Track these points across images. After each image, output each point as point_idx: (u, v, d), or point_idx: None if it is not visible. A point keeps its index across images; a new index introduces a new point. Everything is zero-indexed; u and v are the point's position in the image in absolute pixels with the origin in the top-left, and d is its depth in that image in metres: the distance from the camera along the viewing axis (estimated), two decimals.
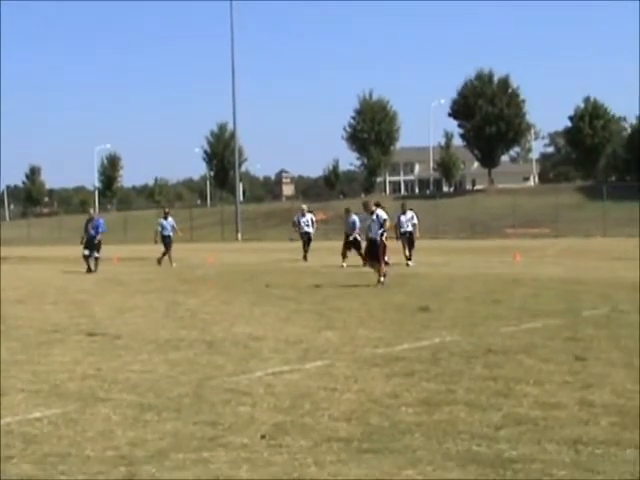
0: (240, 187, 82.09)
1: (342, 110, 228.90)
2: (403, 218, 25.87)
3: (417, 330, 10.96)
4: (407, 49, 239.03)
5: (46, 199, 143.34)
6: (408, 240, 25.43)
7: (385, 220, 18.86)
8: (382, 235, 18.53)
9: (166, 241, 28.50)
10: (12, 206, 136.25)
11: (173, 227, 29.02)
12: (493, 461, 5.09)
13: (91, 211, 29.20)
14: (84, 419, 6.44)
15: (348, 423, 6.11)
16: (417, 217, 26.48)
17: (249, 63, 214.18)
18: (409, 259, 25.12)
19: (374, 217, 18.68)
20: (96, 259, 26.06)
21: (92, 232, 26.27)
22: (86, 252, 26.10)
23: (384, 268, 18.33)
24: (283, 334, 10.86)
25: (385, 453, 5.32)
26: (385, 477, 4.87)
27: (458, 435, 5.69)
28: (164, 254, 28.11)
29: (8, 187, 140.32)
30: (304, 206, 31.58)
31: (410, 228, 25.71)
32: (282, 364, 8.63)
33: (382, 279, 17.78)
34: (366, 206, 19.34)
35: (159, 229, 28.79)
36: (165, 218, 29.12)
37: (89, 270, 25.58)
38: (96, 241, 26.11)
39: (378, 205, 19.58)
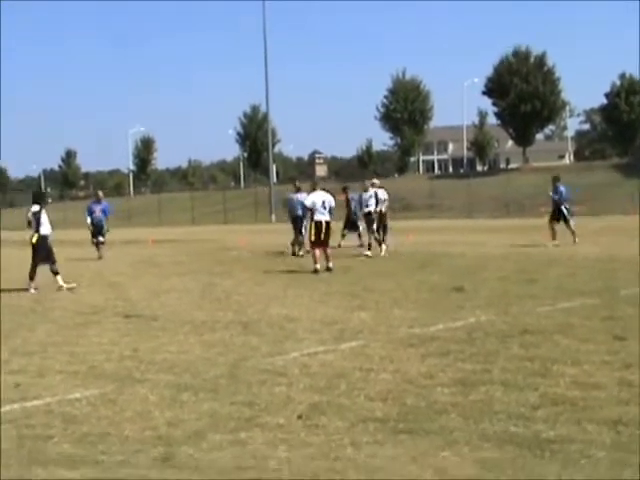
0: (273, 168, 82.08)
1: (375, 90, 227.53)
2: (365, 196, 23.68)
3: (452, 310, 10.92)
4: (441, 27, 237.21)
5: (82, 182, 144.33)
6: (376, 221, 22.38)
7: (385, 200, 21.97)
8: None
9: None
10: (49, 189, 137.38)
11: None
12: (530, 442, 5.07)
13: (100, 193, 27.49)
14: (122, 399, 6.50)
15: (384, 403, 6.11)
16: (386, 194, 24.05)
17: (282, 43, 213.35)
18: (381, 244, 22.15)
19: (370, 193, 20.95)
20: (102, 244, 25.04)
21: (101, 216, 25.23)
22: (101, 239, 25.00)
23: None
24: (318, 315, 10.87)
25: (421, 434, 5.32)
26: (422, 457, 4.86)
27: (495, 415, 5.67)
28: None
29: (45, 171, 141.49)
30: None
31: (372, 207, 23.16)
32: (317, 345, 8.65)
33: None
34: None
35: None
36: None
37: (100, 257, 24.50)
38: (106, 226, 25.25)
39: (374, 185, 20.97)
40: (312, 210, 17.63)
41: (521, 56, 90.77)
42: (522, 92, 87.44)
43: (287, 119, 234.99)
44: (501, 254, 20.69)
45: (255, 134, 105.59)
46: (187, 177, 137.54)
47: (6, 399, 6.62)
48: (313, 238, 17.50)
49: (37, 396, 6.70)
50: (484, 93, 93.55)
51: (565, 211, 23.61)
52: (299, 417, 5.80)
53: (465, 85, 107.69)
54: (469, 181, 71.39)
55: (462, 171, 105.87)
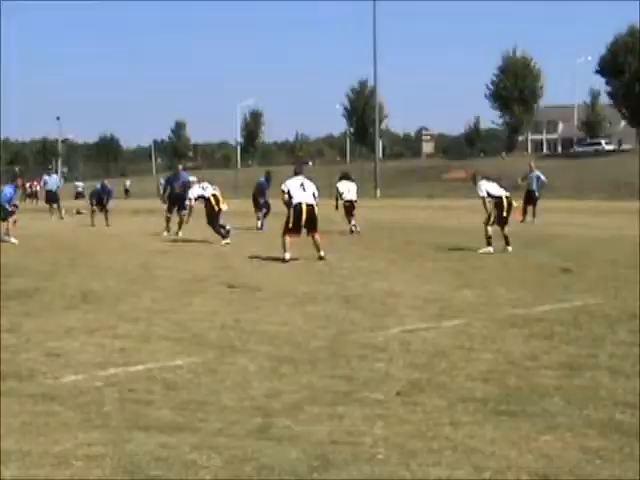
0: (380, 144, 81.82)
1: (485, 67, 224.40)
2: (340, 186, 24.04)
3: (558, 292, 10.66)
4: (553, 3, 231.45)
5: (190, 154, 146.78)
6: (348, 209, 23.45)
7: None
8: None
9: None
10: (159, 160, 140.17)
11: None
12: (637, 431, 4.88)
13: (179, 166, 26.28)
14: (222, 369, 6.55)
15: (485, 384, 5.99)
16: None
17: (390, 17, 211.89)
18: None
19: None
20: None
21: (178, 190, 23.13)
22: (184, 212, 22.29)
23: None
24: (421, 291, 10.77)
25: (522, 416, 5.19)
26: (522, 441, 4.74)
27: (600, 402, 5.49)
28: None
29: (155, 142, 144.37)
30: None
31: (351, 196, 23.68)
32: (419, 321, 8.56)
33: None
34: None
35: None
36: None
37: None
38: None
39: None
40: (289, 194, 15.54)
41: (637, 34, 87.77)
42: (637, 71, 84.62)
43: (395, 95, 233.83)
44: (611, 236, 20.14)
45: (362, 109, 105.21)
46: (294, 151, 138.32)
47: (111, 363, 6.76)
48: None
49: (140, 361, 6.82)
50: (597, 72, 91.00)
51: None
52: (397, 394, 5.74)
53: (578, 63, 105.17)
54: (579, 161, 69.69)
55: (573, 150, 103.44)
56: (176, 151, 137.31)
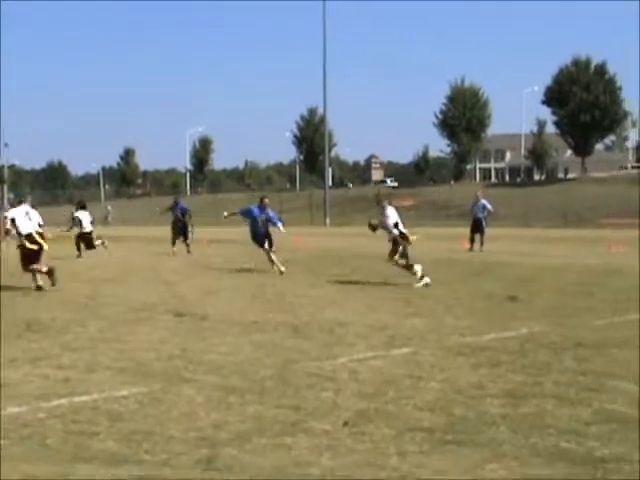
0: (329, 171, 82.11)
1: (433, 96, 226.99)
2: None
3: (505, 320, 10.75)
4: (500, 36, 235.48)
5: (139, 180, 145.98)
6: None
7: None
8: None
9: None
10: (107, 186, 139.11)
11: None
12: (583, 459, 4.92)
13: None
14: (169, 399, 6.48)
15: (432, 413, 6.01)
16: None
17: (340, 47, 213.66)
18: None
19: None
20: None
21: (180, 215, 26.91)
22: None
23: None
24: (369, 320, 10.78)
25: (469, 445, 5.21)
26: (469, 470, 4.75)
27: (546, 430, 5.52)
28: None
29: (104, 168, 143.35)
30: None
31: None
32: (367, 350, 8.56)
33: None
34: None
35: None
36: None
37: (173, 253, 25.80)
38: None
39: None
40: None
41: (581, 65, 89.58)
42: (582, 101, 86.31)
43: (344, 123, 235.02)
44: (558, 265, 20.39)
45: (312, 137, 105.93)
46: (244, 178, 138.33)
47: (55, 394, 6.65)
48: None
49: (85, 392, 6.72)
50: (543, 102, 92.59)
51: None
52: (345, 424, 5.72)
53: (525, 93, 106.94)
54: (526, 190, 70.65)
55: (519, 180, 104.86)
56: (125, 178, 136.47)
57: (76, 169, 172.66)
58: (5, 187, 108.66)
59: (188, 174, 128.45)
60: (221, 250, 28.42)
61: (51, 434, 5.51)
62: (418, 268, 15.45)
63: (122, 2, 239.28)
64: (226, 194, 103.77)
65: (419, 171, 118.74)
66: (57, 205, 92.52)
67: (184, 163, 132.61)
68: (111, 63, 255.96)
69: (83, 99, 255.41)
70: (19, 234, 15.22)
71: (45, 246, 15.34)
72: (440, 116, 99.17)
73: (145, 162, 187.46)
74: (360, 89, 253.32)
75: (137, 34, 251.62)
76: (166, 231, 28.92)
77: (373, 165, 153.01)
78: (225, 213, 20.48)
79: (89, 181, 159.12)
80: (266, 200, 19.57)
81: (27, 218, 15.41)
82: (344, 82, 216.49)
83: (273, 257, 18.73)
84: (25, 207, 15.66)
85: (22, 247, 15.21)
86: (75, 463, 4.89)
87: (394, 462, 4.90)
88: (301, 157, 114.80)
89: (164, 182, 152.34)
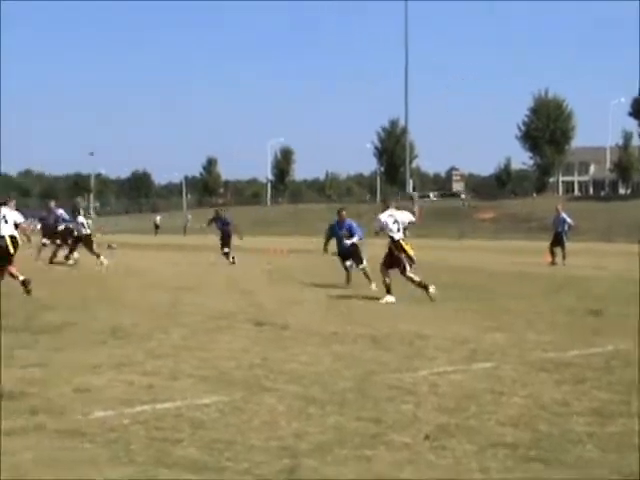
0: (410, 183, 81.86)
1: (516, 108, 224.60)
2: None
3: (588, 335, 10.53)
4: (585, 45, 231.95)
5: (221, 190, 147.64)
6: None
7: None
8: None
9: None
10: (189, 196, 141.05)
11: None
12: None
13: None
14: (250, 408, 6.51)
15: (515, 429, 5.91)
16: None
17: (423, 58, 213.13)
18: None
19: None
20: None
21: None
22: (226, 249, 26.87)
23: None
24: (449, 333, 10.68)
25: (554, 463, 5.10)
26: None
27: (634, 450, 5.38)
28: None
29: (186, 177, 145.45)
30: None
31: None
32: (447, 364, 8.48)
33: None
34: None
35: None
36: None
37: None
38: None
39: None
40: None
41: None
42: None
43: (425, 134, 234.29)
44: None
45: (393, 148, 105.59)
46: (324, 189, 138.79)
47: (138, 400, 6.75)
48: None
49: (168, 399, 6.80)
50: (630, 114, 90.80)
51: None
52: (426, 437, 5.67)
53: (612, 104, 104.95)
54: (610, 204, 69.34)
55: (603, 193, 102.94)
56: (207, 187, 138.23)
57: (159, 178, 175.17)
58: (91, 195, 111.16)
59: (269, 184, 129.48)
60: (300, 260, 28.55)
61: (135, 439, 5.58)
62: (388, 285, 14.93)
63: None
64: (307, 204, 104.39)
65: (500, 184, 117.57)
66: (141, 214, 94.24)
67: (265, 173, 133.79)
68: (195, 77, 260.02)
69: (167, 110, 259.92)
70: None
71: (11, 250, 15.64)
72: (523, 128, 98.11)
73: (227, 172, 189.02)
74: (442, 100, 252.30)
75: (222, 46, 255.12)
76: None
77: (454, 177, 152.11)
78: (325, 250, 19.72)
79: (171, 190, 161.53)
80: (343, 213, 19.16)
81: (3, 221, 15.77)
82: (425, 93, 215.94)
83: (365, 272, 18.19)
84: (4, 210, 15.96)
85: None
86: (157, 468, 4.95)
87: (476, 478, 4.84)
88: (382, 168, 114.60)
89: (245, 192, 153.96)
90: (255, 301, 14.67)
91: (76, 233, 23.93)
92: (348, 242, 18.42)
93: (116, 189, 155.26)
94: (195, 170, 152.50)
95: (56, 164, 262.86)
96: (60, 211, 25.47)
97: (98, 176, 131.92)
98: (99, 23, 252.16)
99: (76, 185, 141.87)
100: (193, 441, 5.57)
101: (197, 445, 5.47)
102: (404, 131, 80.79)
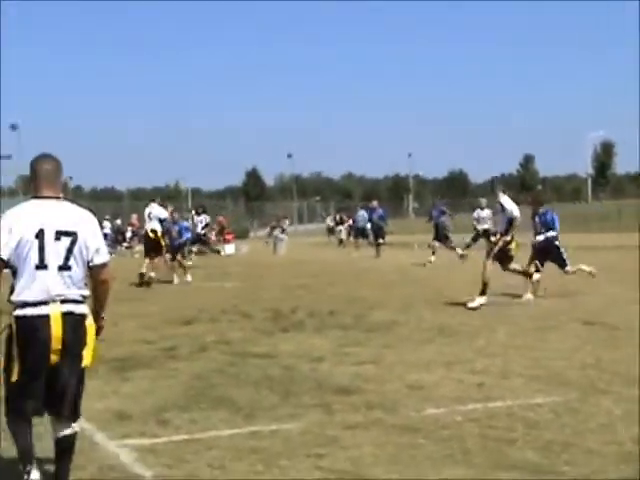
0: None
1: None
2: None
3: None
4: None
5: (539, 186, 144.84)
6: None
7: None
8: None
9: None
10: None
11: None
12: None
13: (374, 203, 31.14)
14: (585, 409, 6.33)
15: None
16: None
17: None
18: None
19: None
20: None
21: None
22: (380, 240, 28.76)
23: None
24: None
25: None
26: None
27: None
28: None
29: (502, 175, 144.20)
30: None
31: None
32: None
33: None
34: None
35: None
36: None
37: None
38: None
39: None
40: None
41: None
42: None
43: None
44: None
45: None
46: None
47: (470, 398, 6.79)
48: None
49: (499, 397, 6.78)
50: None
51: None
52: None
53: None
54: None
55: None
56: (524, 184, 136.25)
57: (476, 177, 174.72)
58: (410, 196, 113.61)
59: (589, 179, 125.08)
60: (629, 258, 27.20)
61: (469, 438, 5.61)
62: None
63: None
64: (627, 199, 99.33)
65: None
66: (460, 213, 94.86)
67: (585, 168, 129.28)
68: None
69: (482, 109, 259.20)
70: None
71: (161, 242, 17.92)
72: None
73: (544, 168, 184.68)
74: None
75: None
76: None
77: None
78: None
79: (487, 188, 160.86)
80: None
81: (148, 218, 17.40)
82: None
83: None
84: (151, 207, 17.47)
85: None
86: (494, 471, 4.93)
87: None
88: None
89: (564, 188, 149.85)
90: (579, 300, 14.13)
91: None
92: None
93: (433, 189, 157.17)
94: (512, 167, 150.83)
95: (376, 167, 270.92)
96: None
97: (416, 177, 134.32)
98: None
99: (396, 186, 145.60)
100: (528, 442, 5.51)
101: (532, 446, 5.40)
102: None
